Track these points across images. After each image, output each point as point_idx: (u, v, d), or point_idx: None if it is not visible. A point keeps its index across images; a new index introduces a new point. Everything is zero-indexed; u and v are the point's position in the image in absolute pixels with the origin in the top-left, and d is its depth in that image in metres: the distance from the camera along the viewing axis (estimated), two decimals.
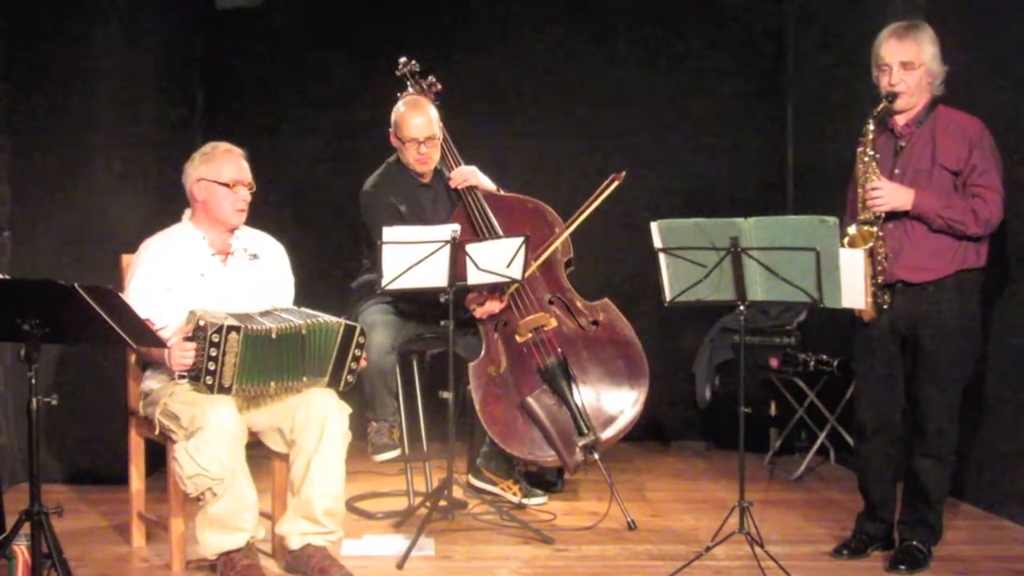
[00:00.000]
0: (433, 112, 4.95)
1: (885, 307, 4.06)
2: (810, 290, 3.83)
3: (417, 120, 4.90)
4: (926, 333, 4.07)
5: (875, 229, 4.02)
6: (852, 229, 4.03)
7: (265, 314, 4.03)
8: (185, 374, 3.89)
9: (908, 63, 4.05)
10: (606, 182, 4.80)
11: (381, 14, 6.44)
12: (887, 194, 4.02)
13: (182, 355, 3.85)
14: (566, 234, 4.91)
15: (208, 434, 3.78)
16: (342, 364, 4.07)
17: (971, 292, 4.11)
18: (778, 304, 5.88)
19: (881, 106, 4.06)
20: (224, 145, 4.25)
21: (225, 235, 4.23)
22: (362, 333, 4.09)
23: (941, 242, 4.04)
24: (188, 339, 3.85)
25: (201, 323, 3.83)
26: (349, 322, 4.08)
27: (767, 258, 3.87)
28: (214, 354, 3.80)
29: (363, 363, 4.15)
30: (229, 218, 4.19)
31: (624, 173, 4.79)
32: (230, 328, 3.81)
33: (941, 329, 4.06)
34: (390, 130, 4.98)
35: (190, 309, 3.94)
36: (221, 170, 4.17)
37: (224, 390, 3.85)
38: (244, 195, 4.18)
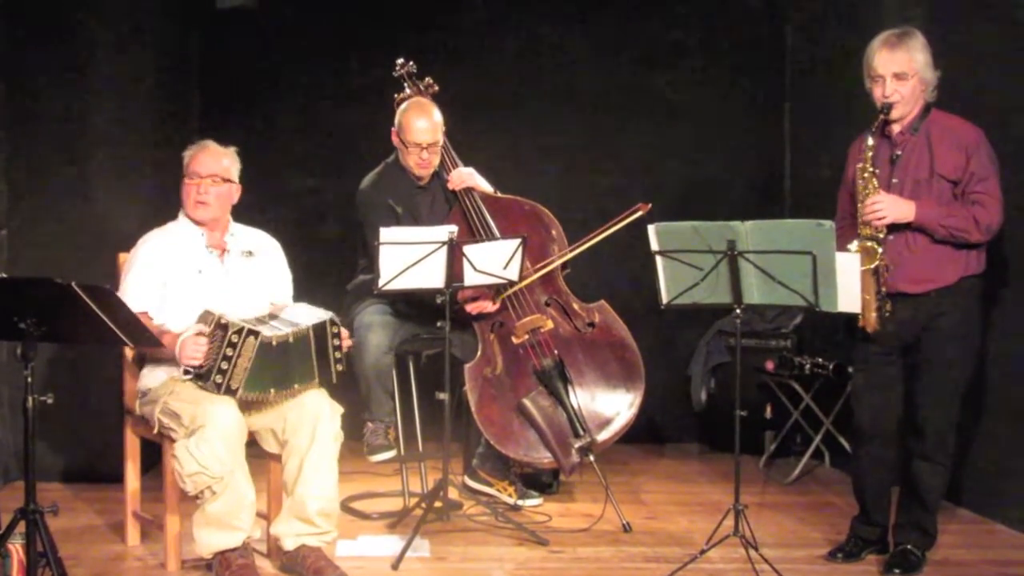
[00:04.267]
0: (438, 117, 4.94)
1: (887, 315, 4.05)
2: (806, 294, 3.84)
3: (422, 124, 4.89)
4: (927, 338, 4.08)
5: (879, 249, 3.99)
6: (853, 246, 4.00)
7: (260, 320, 4.01)
8: (191, 371, 3.89)
9: (901, 74, 4.03)
10: (630, 210, 4.76)
11: (379, 15, 6.44)
12: (888, 207, 4.00)
13: (195, 349, 3.84)
14: (573, 254, 4.89)
15: (209, 432, 3.77)
16: (326, 359, 4.03)
17: (972, 298, 4.12)
18: (774, 307, 5.88)
19: (878, 119, 4.05)
20: (206, 142, 4.25)
21: (217, 232, 4.23)
22: (333, 323, 4.04)
23: (943, 252, 4.04)
24: (201, 335, 3.84)
25: (223, 321, 3.82)
26: (316, 320, 4.02)
27: (764, 262, 3.87)
28: (229, 354, 3.79)
29: (347, 344, 4.10)
30: (190, 211, 4.20)
31: (650, 206, 4.72)
32: (250, 331, 3.81)
33: (942, 335, 4.06)
34: (393, 129, 4.97)
35: (205, 308, 3.93)
36: (189, 164, 4.19)
37: (231, 392, 3.84)
38: (204, 187, 4.15)
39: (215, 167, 4.18)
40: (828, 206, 4.44)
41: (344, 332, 4.10)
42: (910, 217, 4.01)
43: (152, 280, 4.07)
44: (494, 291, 4.84)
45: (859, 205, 4.06)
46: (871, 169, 4.04)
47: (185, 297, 4.03)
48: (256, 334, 3.81)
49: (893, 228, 4.04)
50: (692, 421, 6.54)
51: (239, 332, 3.80)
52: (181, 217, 4.25)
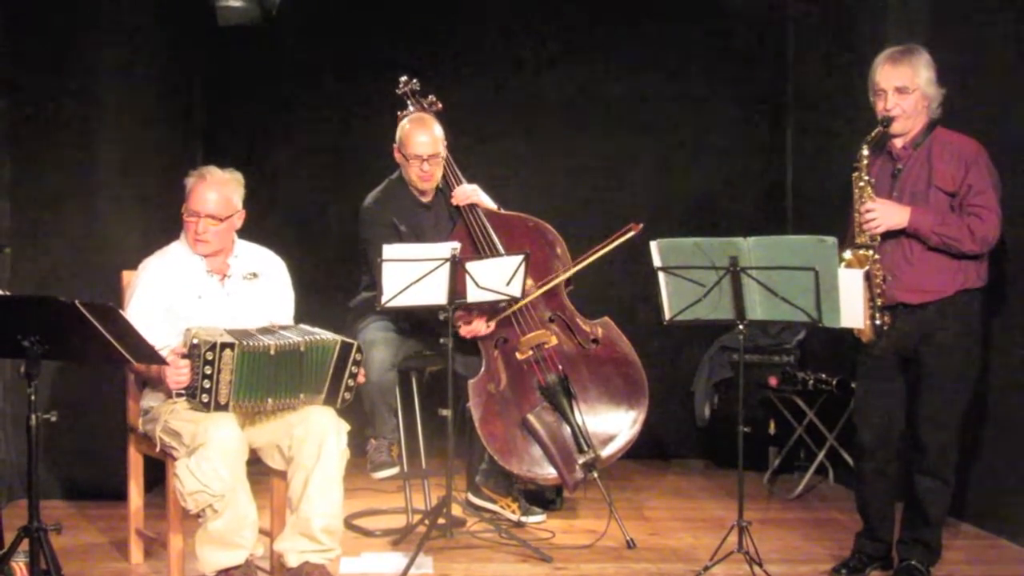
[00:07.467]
0: (438, 130, 4.96)
1: (884, 328, 4.06)
2: (809, 310, 3.84)
3: (422, 138, 4.91)
4: (927, 352, 4.08)
5: (871, 253, 4.02)
6: (847, 254, 4.02)
7: (264, 331, 4.01)
8: (182, 392, 3.89)
9: (903, 88, 4.06)
10: (621, 230, 4.76)
11: (383, 33, 6.46)
12: (881, 214, 4.02)
13: (176, 373, 3.84)
14: (569, 272, 4.89)
15: (209, 451, 3.77)
16: (339, 381, 4.03)
17: (972, 312, 4.12)
18: (777, 323, 5.89)
19: (876, 131, 4.07)
20: (207, 171, 4.20)
21: (220, 257, 4.22)
22: (359, 350, 4.05)
23: (940, 262, 4.04)
24: (183, 357, 3.85)
25: (195, 341, 3.82)
26: (346, 339, 4.04)
27: (766, 278, 3.88)
28: (208, 372, 3.80)
29: (361, 379, 4.12)
30: (191, 246, 4.19)
31: (642, 225, 4.70)
32: (224, 345, 3.80)
33: (942, 349, 4.06)
34: (395, 146, 4.99)
35: (186, 327, 3.93)
36: (188, 197, 4.17)
37: (220, 407, 3.85)
38: (203, 225, 4.12)
39: (213, 207, 4.12)
40: (830, 222, 4.45)
41: (363, 368, 4.11)
42: (904, 223, 4.02)
43: (154, 308, 4.07)
44: (489, 312, 4.84)
45: (855, 213, 4.07)
46: (866, 178, 4.06)
47: (186, 323, 4.00)
48: (232, 346, 3.80)
49: (889, 236, 4.05)
50: (696, 437, 6.54)
51: (212, 348, 3.79)
52: (183, 237, 4.24)
